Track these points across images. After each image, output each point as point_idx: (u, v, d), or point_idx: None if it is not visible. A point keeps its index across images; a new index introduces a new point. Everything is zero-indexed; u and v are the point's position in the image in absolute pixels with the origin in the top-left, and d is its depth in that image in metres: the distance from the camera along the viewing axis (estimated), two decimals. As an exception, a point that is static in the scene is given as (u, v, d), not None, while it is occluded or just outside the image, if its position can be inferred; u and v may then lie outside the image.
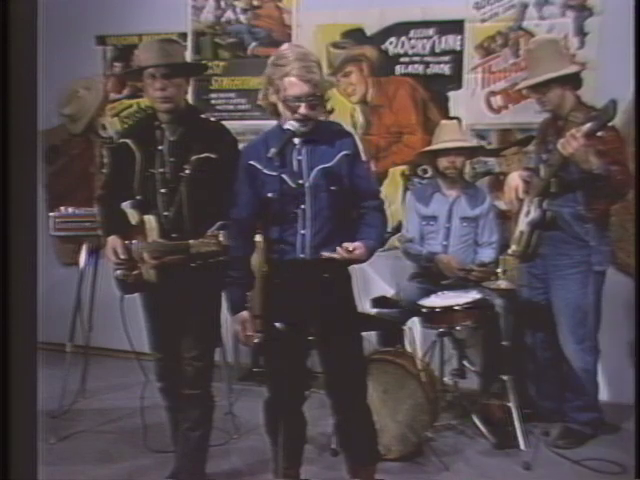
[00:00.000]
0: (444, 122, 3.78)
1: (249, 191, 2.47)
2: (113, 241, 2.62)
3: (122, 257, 2.59)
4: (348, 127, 2.72)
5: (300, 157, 2.42)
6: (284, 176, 2.40)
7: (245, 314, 2.49)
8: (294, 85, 2.33)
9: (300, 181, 2.41)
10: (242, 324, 2.49)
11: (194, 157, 2.58)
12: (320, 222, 2.44)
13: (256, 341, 2.50)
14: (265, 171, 2.42)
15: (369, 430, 2.64)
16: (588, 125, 2.90)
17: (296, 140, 2.40)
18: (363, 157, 2.62)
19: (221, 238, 2.41)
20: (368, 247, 2.40)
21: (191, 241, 2.43)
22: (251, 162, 2.45)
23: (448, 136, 3.62)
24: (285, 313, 2.42)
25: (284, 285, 2.44)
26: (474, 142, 3.93)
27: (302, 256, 2.43)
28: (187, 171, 2.59)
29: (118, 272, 2.64)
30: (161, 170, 2.63)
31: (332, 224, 2.45)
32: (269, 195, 2.42)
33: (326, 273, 2.43)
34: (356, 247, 2.37)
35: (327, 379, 2.58)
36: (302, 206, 2.41)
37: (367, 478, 2.65)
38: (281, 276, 2.46)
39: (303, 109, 2.34)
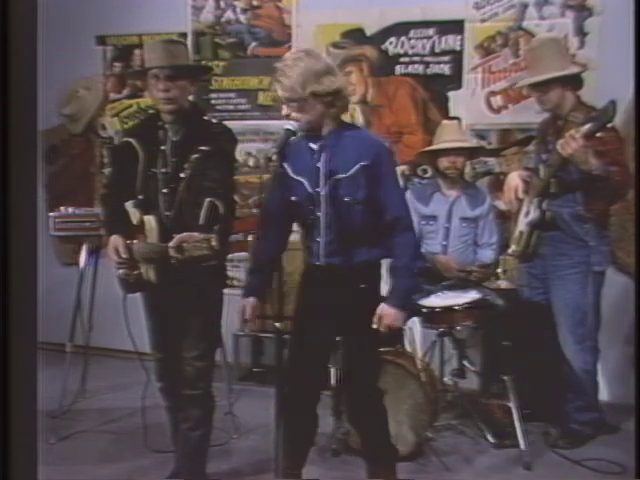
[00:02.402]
0: (445, 122, 3.78)
1: (278, 192, 2.50)
2: (115, 240, 2.61)
3: (123, 256, 2.59)
4: (366, 133, 2.62)
5: (319, 164, 2.43)
6: (304, 182, 2.44)
7: (251, 299, 2.53)
8: (276, 86, 2.41)
9: (317, 189, 2.43)
10: (244, 307, 2.54)
11: (195, 157, 2.58)
12: (334, 231, 2.45)
13: (252, 327, 2.54)
14: (292, 174, 2.46)
15: (386, 429, 2.66)
16: (587, 126, 2.90)
17: (314, 146, 2.44)
18: (389, 171, 2.49)
19: (214, 242, 2.41)
20: (397, 308, 2.44)
21: (184, 245, 2.42)
22: (283, 164, 2.46)
23: (449, 136, 3.61)
24: (300, 313, 2.51)
25: (302, 286, 2.53)
26: (474, 142, 3.93)
27: (317, 263, 2.47)
28: (188, 171, 2.59)
29: (120, 271, 2.64)
30: (163, 170, 2.63)
31: (346, 235, 2.46)
32: (292, 199, 2.47)
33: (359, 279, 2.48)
34: (383, 316, 2.42)
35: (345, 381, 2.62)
36: (317, 213, 2.45)
37: (389, 478, 2.66)
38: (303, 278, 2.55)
39: (284, 110, 2.39)
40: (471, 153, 3.73)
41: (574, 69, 3.30)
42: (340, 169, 2.41)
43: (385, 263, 2.55)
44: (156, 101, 2.65)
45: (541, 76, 3.19)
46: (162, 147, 2.64)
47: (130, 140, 2.68)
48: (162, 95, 2.58)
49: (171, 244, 2.42)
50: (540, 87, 3.22)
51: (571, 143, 2.93)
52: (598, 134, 2.94)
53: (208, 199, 2.50)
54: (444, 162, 3.59)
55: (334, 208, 2.43)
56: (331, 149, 2.42)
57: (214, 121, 2.78)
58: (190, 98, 2.75)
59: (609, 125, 2.97)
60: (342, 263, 2.48)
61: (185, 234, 2.42)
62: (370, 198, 2.43)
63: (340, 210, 2.43)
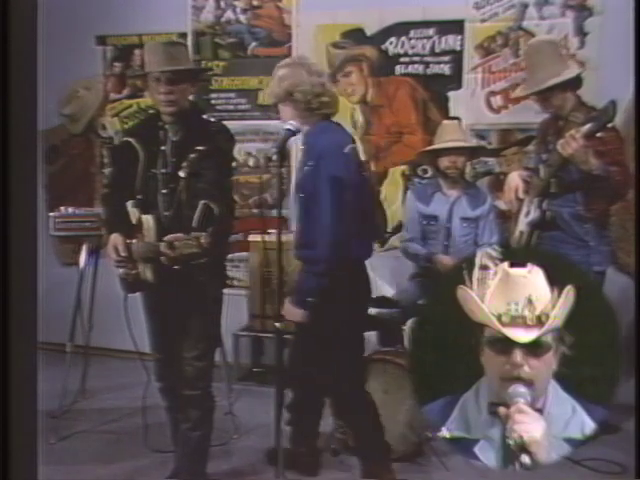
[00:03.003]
0: (446, 122, 3.78)
1: None
2: (115, 239, 2.62)
3: (123, 254, 2.59)
4: (325, 134, 2.67)
5: (301, 161, 2.64)
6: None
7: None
8: None
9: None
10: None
11: (193, 157, 2.58)
12: (298, 224, 2.62)
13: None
14: None
15: (376, 428, 2.68)
16: (587, 126, 2.90)
17: (301, 145, 2.63)
18: (327, 172, 2.53)
19: (203, 240, 2.41)
20: (294, 305, 2.58)
21: (176, 242, 2.42)
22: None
23: (450, 136, 3.62)
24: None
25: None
26: (474, 142, 3.93)
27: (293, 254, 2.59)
28: (187, 171, 2.59)
29: (121, 271, 2.64)
30: (163, 170, 2.63)
31: (302, 229, 2.61)
32: None
33: None
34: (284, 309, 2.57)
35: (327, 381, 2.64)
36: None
37: (384, 477, 2.68)
38: None
39: None
40: (472, 153, 3.74)
41: (573, 71, 3.28)
42: (303, 167, 2.60)
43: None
44: (157, 103, 2.66)
45: (540, 85, 3.17)
46: (162, 147, 2.64)
47: (130, 140, 2.68)
48: (163, 97, 2.59)
49: (162, 241, 2.43)
50: (540, 94, 3.21)
51: (571, 143, 2.92)
52: (598, 134, 2.94)
53: (202, 201, 2.50)
54: (445, 162, 3.60)
55: (296, 203, 2.61)
56: (307, 148, 2.61)
57: (212, 120, 2.79)
58: (190, 98, 2.75)
59: (609, 125, 2.96)
60: (302, 257, 2.61)
61: (176, 234, 2.43)
62: (312, 196, 2.55)
63: (300, 205, 2.59)
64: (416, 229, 3.70)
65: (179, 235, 2.42)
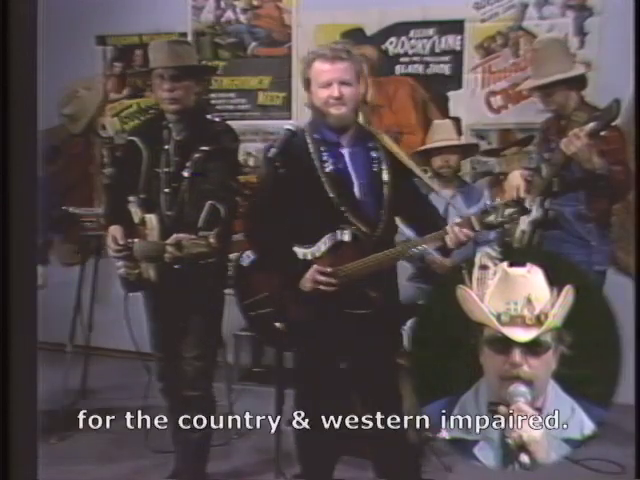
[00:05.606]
0: (437, 122, 3.79)
1: None
2: (114, 230, 2.61)
3: (121, 242, 2.57)
4: None
5: None
6: None
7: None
8: None
9: None
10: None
11: (197, 157, 2.58)
12: None
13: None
14: None
15: None
16: (591, 124, 2.90)
17: None
18: None
19: (212, 240, 2.41)
20: None
21: (184, 242, 2.42)
22: None
23: (441, 135, 3.62)
24: None
25: None
26: (463, 140, 3.92)
27: None
28: (190, 170, 2.59)
29: (121, 270, 2.64)
30: (166, 170, 2.63)
31: None
32: None
33: None
34: None
35: None
36: None
37: None
38: None
39: None
40: (465, 151, 3.73)
41: (579, 70, 3.29)
42: None
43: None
44: (160, 101, 2.66)
45: (546, 79, 3.18)
46: (166, 146, 2.64)
47: (134, 139, 2.68)
48: (167, 95, 2.59)
49: (169, 241, 2.43)
50: (544, 89, 3.21)
51: (575, 141, 2.92)
52: (602, 133, 2.94)
53: (209, 202, 2.50)
54: (437, 161, 3.60)
55: None
56: None
57: (217, 120, 2.78)
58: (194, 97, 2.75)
59: (613, 124, 2.96)
60: None
61: (182, 234, 2.42)
62: None
63: None
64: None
65: (187, 235, 2.42)
